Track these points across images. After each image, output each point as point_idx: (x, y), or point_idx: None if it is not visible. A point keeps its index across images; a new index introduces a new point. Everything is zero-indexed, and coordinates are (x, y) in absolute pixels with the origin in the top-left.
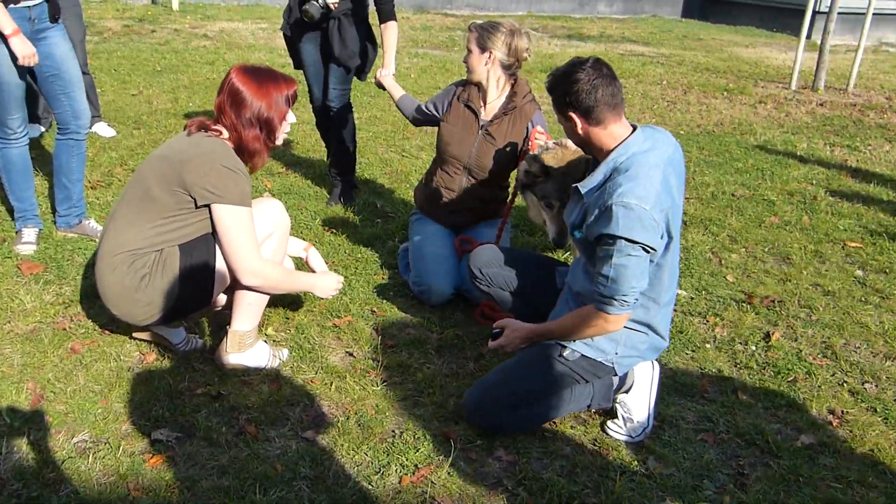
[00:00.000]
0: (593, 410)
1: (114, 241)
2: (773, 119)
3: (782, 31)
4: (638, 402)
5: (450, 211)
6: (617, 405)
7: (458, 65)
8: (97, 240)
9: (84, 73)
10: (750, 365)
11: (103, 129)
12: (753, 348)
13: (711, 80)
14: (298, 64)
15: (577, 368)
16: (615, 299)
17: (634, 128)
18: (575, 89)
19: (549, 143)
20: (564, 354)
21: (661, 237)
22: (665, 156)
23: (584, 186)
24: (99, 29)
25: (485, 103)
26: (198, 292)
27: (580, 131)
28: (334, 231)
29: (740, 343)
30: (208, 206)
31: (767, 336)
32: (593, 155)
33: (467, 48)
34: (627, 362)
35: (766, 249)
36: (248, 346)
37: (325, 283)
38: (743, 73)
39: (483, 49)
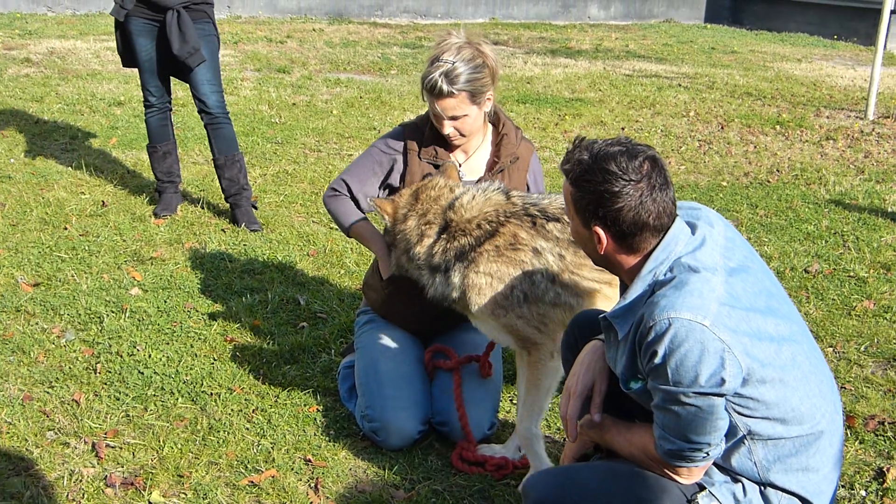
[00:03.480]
0: None
1: None
2: (848, 161)
3: (846, 39)
4: None
5: (428, 314)
6: None
7: (398, 95)
8: None
9: None
10: None
11: None
12: (863, 493)
13: (756, 108)
14: (131, 60)
15: None
16: (673, 453)
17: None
18: (616, 205)
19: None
20: (698, 501)
21: (738, 371)
22: (719, 246)
23: (617, 316)
24: None
25: (467, 155)
26: None
27: (602, 251)
28: (240, 342)
29: (843, 486)
30: None
31: (881, 474)
32: (615, 273)
33: (451, 117)
34: None
35: (862, 348)
36: None
37: None
38: (799, 98)
39: (479, 102)
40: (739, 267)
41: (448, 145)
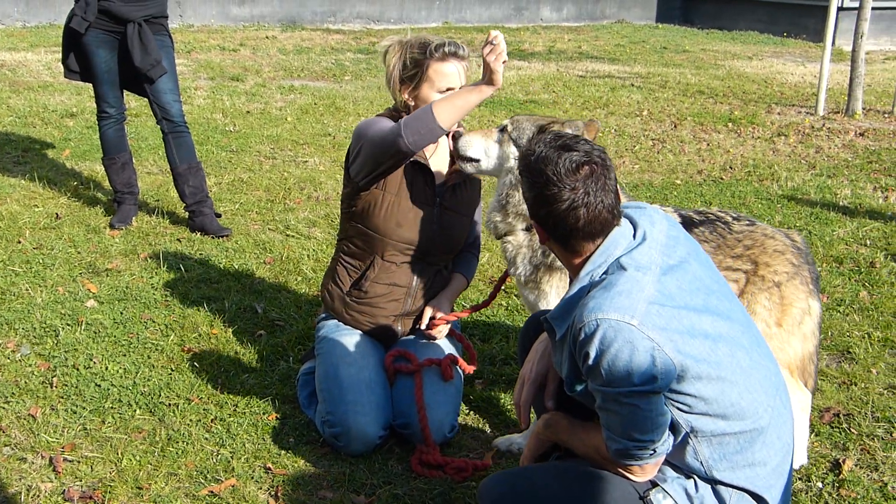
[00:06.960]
0: None
1: None
2: (800, 157)
3: (796, 35)
4: None
5: (396, 317)
6: None
7: (352, 101)
8: None
9: None
10: None
11: None
12: (820, 485)
13: (709, 107)
14: (87, 72)
15: None
16: (620, 452)
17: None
18: (546, 208)
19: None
20: (650, 498)
21: (671, 368)
22: (658, 244)
23: (555, 317)
24: None
25: (435, 149)
26: None
27: (543, 242)
28: (198, 352)
29: (800, 479)
30: None
31: (836, 466)
32: (565, 266)
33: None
34: None
35: None
36: None
37: None
38: (750, 95)
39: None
40: (678, 264)
41: None
